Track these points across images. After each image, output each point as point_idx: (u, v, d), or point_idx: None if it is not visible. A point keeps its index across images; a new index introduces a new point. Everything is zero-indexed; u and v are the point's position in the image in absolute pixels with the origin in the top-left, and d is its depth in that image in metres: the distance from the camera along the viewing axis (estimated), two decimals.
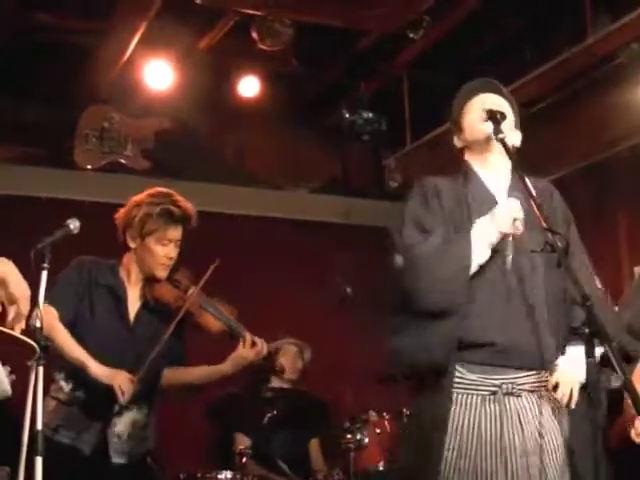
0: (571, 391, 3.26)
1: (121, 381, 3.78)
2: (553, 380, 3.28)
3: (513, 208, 3.25)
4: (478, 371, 3.26)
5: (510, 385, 3.26)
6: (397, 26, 5.92)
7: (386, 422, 5.40)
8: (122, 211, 4.06)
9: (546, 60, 5.71)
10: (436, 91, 6.82)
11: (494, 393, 3.25)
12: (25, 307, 2.78)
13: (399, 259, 3.31)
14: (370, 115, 6.68)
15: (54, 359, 3.78)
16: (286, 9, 5.76)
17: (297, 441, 5.95)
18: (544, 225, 3.13)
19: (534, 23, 6.01)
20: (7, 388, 2.99)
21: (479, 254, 3.25)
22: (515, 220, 3.22)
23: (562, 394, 3.26)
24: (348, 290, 5.73)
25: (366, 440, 5.30)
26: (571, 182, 6.47)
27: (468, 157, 3.53)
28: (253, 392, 5.88)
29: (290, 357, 6.19)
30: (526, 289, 3.29)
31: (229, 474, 5.10)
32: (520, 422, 3.25)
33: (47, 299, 3.51)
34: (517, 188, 3.34)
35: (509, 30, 6.17)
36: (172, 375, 4.17)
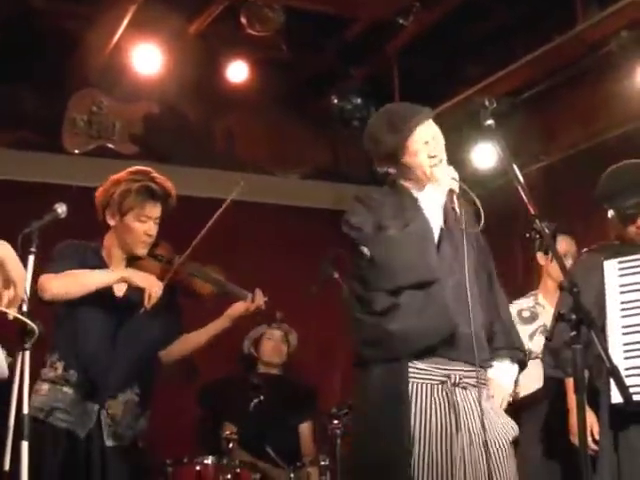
0: (501, 401, 3.53)
1: (157, 288, 3.87)
2: (490, 391, 3.48)
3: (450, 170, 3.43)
4: (428, 361, 3.35)
5: (458, 376, 3.37)
6: (387, 12, 5.91)
7: None
8: (101, 189, 4.06)
9: (536, 47, 5.70)
10: (426, 78, 6.83)
11: (443, 383, 3.34)
12: (22, 290, 2.78)
13: (365, 249, 3.42)
14: (359, 101, 6.67)
15: (47, 340, 3.77)
16: None
17: (285, 427, 5.95)
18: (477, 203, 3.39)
19: (524, 10, 6.00)
20: (4, 370, 2.98)
21: (437, 220, 3.40)
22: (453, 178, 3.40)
23: (499, 402, 3.52)
24: (336, 275, 5.74)
25: None
26: (561, 170, 6.48)
27: (404, 182, 3.59)
28: (240, 378, 5.88)
29: (275, 342, 6.18)
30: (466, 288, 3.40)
31: (215, 459, 5.11)
32: (466, 413, 3.34)
33: (48, 270, 3.70)
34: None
35: (499, 17, 6.16)
36: (172, 349, 4.20)
